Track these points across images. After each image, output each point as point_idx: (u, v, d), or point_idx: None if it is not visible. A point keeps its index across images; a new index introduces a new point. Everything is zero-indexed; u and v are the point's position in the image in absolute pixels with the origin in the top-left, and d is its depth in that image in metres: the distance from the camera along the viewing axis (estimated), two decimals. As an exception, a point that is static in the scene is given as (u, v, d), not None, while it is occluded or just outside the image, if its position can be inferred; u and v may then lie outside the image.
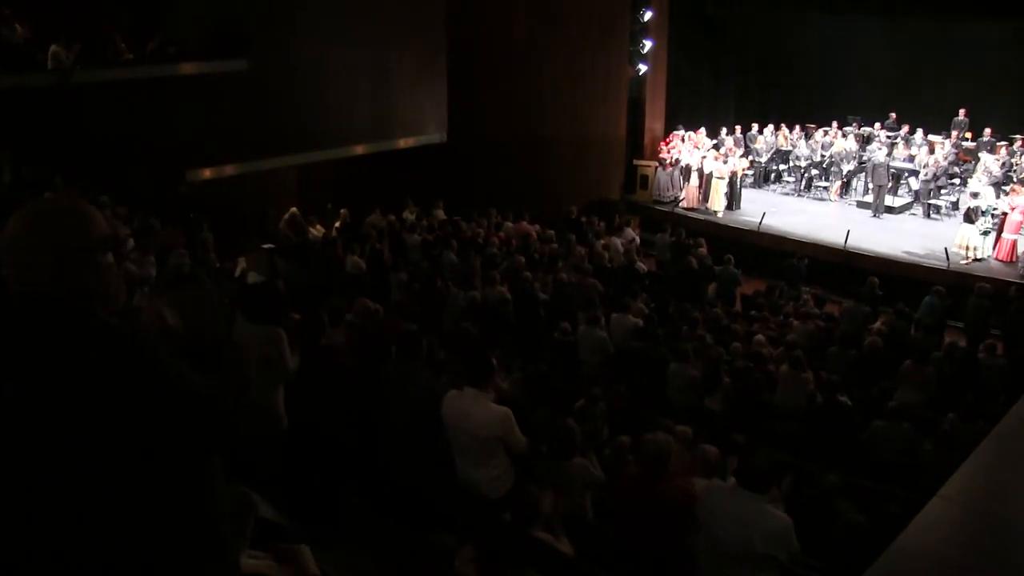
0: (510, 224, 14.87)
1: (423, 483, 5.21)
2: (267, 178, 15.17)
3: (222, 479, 1.91)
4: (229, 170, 14.06)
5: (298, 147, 14.76)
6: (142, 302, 8.34)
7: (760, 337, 10.62)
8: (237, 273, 10.69)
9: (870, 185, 18.58)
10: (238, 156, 14.11)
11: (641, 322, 9.99)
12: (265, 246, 13.23)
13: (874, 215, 18.07)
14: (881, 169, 18.04)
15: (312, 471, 4.86)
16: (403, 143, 16.22)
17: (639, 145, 20.97)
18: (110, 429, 1.68)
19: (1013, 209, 14.95)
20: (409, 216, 14.90)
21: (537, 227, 14.91)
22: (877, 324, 11.65)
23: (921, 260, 15.54)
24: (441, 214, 15.36)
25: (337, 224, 14.51)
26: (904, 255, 15.79)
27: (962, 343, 10.94)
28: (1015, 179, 16.59)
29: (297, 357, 5.53)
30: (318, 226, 14.43)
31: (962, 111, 19.54)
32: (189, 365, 1.82)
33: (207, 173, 13.83)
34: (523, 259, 12.09)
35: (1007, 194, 15.46)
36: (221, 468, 1.89)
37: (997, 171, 16.92)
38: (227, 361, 2.12)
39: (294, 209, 14.22)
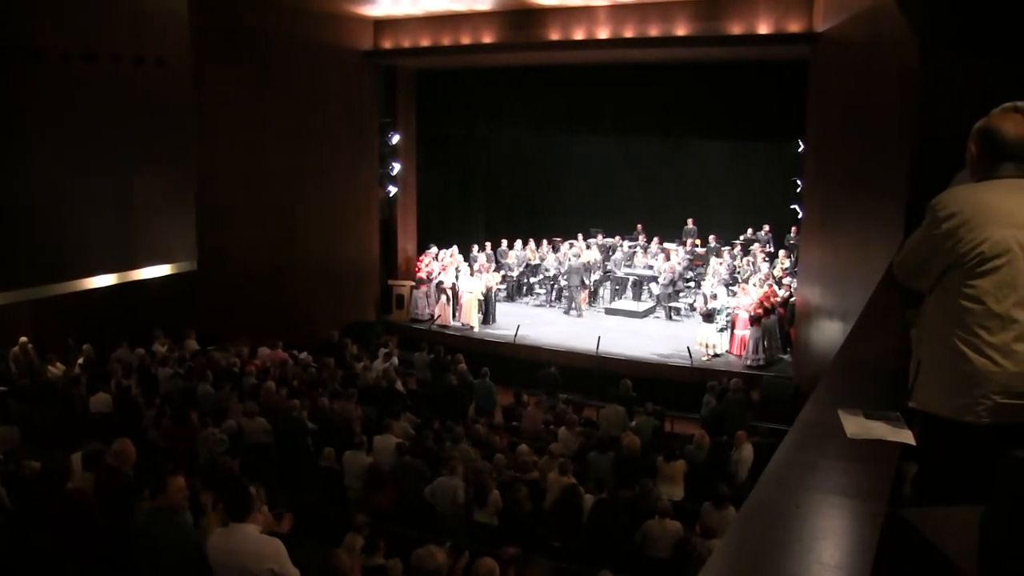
0: (266, 351, 14.48)
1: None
2: (-2, 315, 14.02)
3: None
4: (-48, 308, 12.93)
5: (33, 280, 13.68)
6: None
7: (523, 447, 10.80)
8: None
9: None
10: (-37, 292, 12.99)
11: (405, 442, 9.94)
12: (-3, 389, 12.20)
13: (573, 313, 19.48)
14: (575, 274, 19.48)
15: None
16: (150, 272, 15.51)
17: (393, 265, 21.15)
18: None
19: (739, 308, 16.29)
20: (160, 348, 14.18)
21: (295, 351, 14.61)
22: (632, 424, 12.16)
23: (667, 359, 16.46)
24: (193, 344, 14.73)
25: (80, 360, 13.58)
26: (652, 356, 16.66)
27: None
28: (740, 280, 18.08)
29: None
30: (58, 364, 13.43)
31: (690, 220, 21.34)
32: None
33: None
34: (274, 386, 11.77)
35: (735, 295, 16.83)
36: None
37: (724, 273, 18.45)
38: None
39: (23, 338, 13.25)
